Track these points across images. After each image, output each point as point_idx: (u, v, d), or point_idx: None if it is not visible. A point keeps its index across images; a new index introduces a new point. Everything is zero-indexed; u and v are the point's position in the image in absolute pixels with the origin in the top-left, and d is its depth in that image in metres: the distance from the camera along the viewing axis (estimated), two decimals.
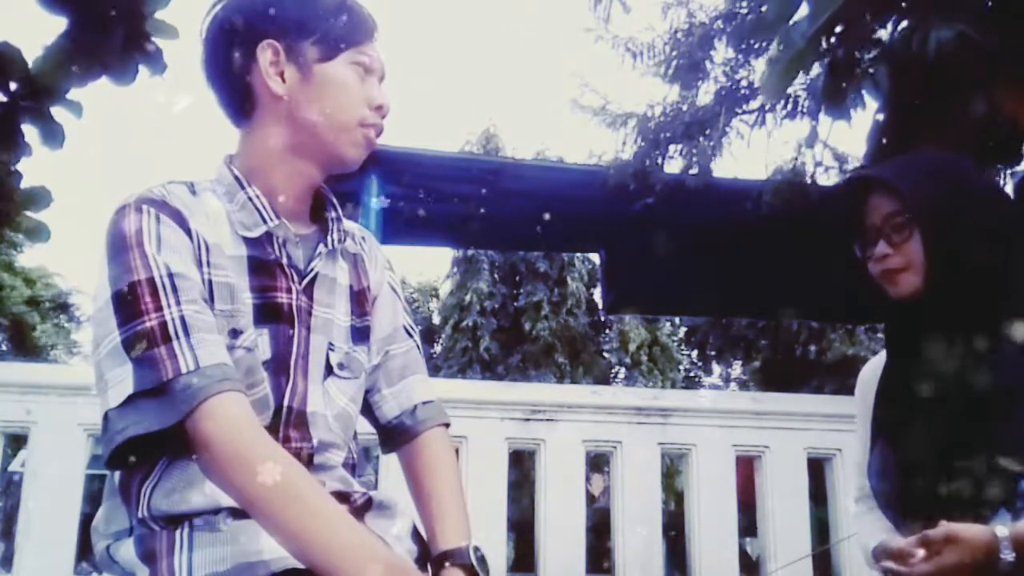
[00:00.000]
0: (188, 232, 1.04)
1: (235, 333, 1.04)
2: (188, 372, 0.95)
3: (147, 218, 1.03)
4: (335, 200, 1.20)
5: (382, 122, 1.16)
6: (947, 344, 1.33)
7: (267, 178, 1.12)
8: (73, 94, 1.79)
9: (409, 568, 1.00)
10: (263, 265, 1.10)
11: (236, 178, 1.11)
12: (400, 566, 0.97)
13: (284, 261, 1.11)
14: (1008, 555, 1.15)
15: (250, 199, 1.10)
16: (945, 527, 1.19)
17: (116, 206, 1.05)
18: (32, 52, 1.78)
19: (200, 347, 0.97)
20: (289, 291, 1.11)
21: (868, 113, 3.42)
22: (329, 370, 1.14)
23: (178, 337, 0.97)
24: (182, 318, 0.98)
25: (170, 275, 1.00)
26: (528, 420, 3.71)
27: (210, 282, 1.04)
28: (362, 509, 1.11)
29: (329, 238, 1.16)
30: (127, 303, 0.98)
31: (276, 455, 0.97)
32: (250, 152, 1.14)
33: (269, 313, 1.08)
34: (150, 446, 0.97)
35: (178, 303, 0.98)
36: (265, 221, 1.10)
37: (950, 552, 1.17)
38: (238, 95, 1.13)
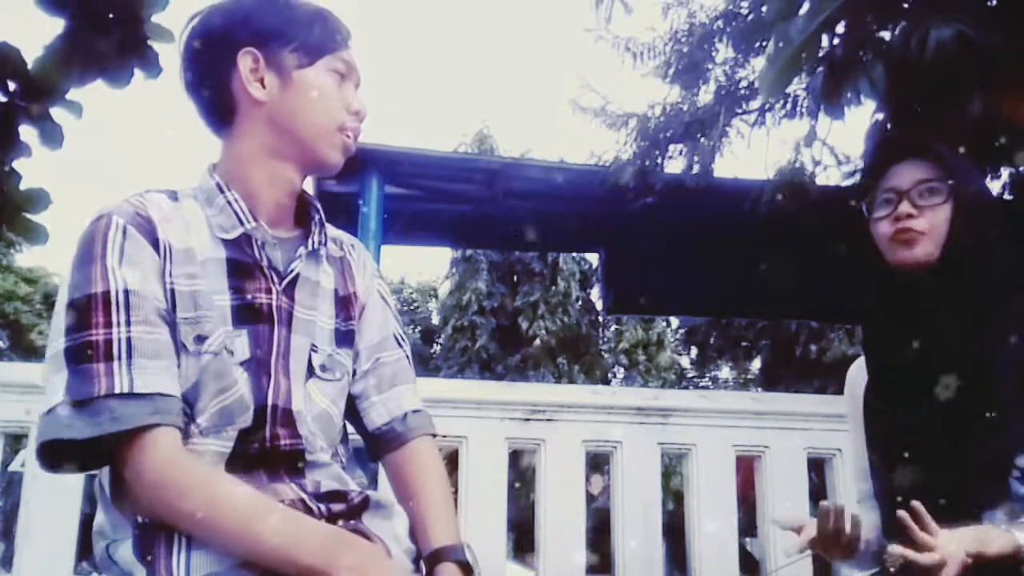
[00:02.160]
0: (156, 243, 1.06)
1: (200, 339, 1.05)
2: (121, 394, 0.97)
3: (115, 231, 1.04)
4: (319, 205, 1.22)
5: (359, 126, 1.19)
6: (944, 319, 1.33)
7: (247, 183, 1.14)
8: (72, 95, 1.80)
9: (361, 542, 1.01)
10: (241, 267, 1.11)
11: (216, 184, 1.14)
12: (355, 540, 1.00)
13: (263, 263, 1.13)
14: None
15: (228, 203, 1.12)
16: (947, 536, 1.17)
17: (93, 215, 1.07)
18: (32, 52, 1.78)
19: (138, 372, 0.99)
20: (268, 292, 1.12)
21: (867, 113, 3.42)
22: (311, 371, 1.15)
23: (119, 358, 0.98)
24: (128, 340, 0.99)
25: (126, 292, 1.01)
26: (528, 420, 3.70)
27: (173, 291, 1.05)
28: (359, 508, 1.12)
29: (309, 240, 1.18)
30: (78, 314, 1.00)
31: (205, 475, 1.00)
32: (231, 158, 1.16)
33: (248, 314, 1.09)
34: (83, 456, 0.99)
35: (128, 323, 1.00)
36: (242, 223, 1.11)
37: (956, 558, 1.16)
38: (219, 103, 1.15)
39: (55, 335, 1.01)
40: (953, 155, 1.38)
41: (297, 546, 0.95)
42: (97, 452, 0.99)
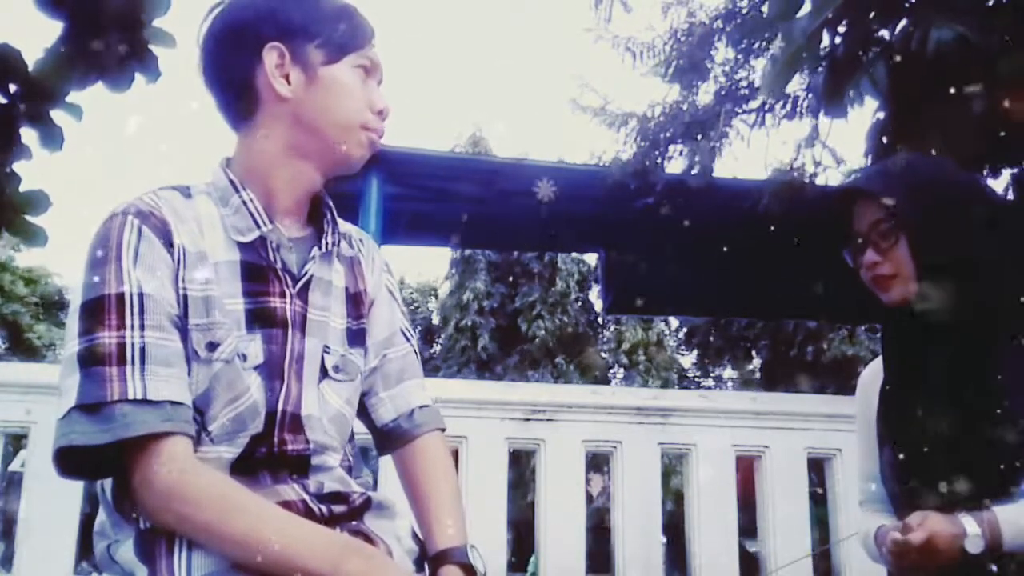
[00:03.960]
0: (170, 246, 1.05)
1: (212, 346, 1.04)
2: (133, 400, 0.96)
3: (129, 231, 1.03)
4: (331, 203, 1.20)
5: (383, 125, 1.17)
6: (942, 347, 1.35)
7: (264, 181, 1.13)
8: (73, 97, 1.79)
9: (365, 547, 1.01)
10: (256, 270, 1.10)
11: (231, 181, 1.12)
12: (359, 545, 1.00)
13: (277, 266, 1.11)
14: (973, 548, 1.22)
15: (244, 203, 1.10)
16: (921, 514, 1.26)
17: (108, 213, 1.06)
18: (33, 54, 1.78)
19: (151, 378, 0.98)
20: (282, 295, 1.10)
21: (868, 113, 3.42)
22: (324, 373, 1.14)
23: (132, 363, 0.97)
24: (142, 345, 0.98)
25: (140, 295, 1.00)
26: (528, 420, 3.71)
27: (185, 297, 1.04)
28: (361, 509, 1.12)
29: (323, 241, 1.16)
30: (92, 315, 0.99)
31: (216, 483, 0.99)
32: (249, 154, 1.14)
33: (262, 318, 1.08)
34: (96, 461, 0.98)
35: (142, 327, 0.99)
36: (258, 226, 1.10)
37: (923, 536, 1.24)
38: (240, 97, 1.13)
39: (69, 336, 1.00)
40: (897, 187, 1.37)
41: (304, 552, 0.95)
42: (110, 457, 0.98)
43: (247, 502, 0.99)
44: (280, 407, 1.07)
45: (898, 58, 2.96)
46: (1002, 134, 3.05)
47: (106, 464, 1.00)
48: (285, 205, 1.14)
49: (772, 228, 4.89)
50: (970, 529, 1.22)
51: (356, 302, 1.21)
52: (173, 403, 0.99)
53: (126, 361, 0.97)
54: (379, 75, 1.18)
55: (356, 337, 1.20)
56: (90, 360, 0.97)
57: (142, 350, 0.98)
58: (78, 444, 0.95)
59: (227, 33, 1.13)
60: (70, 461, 0.98)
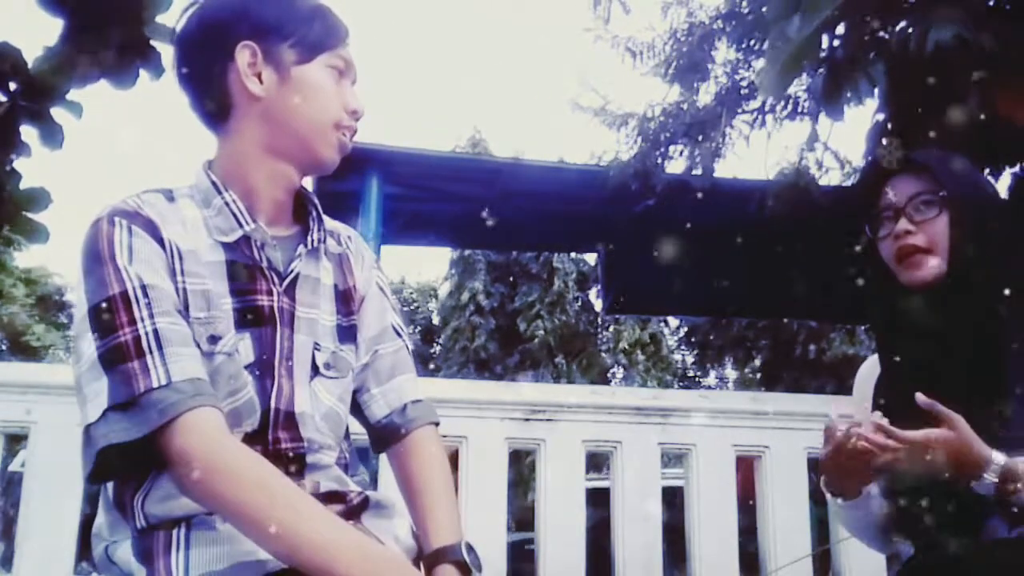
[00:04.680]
0: (161, 242, 1.05)
1: (214, 339, 1.04)
2: (160, 387, 0.96)
3: (119, 231, 1.04)
4: (316, 201, 1.21)
5: (356, 125, 1.18)
6: (955, 334, 1.33)
7: (244, 181, 1.13)
8: (73, 95, 1.79)
9: (403, 563, 1.01)
10: (242, 269, 1.10)
11: (213, 183, 1.12)
12: (396, 561, 1.00)
13: (263, 264, 1.12)
14: (991, 477, 1.18)
15: (226, 204, 1.11)
16: (959, 418, 1.19)
17: (91, 219, 1.06)
18: (32, 52, 1.78)
19: (172, 361, 0.98)
20: (269, 293, 1.11)
21: (868, 114, 3.42)
22: (315, 370, 1.14)
23: (151, 351, 0.98)
24: (155, 331, 0.99)
25: (143, 287, 1.01)
26: (528, 420, 3.70)
27: (184, 291, 1.05)
28: (359, 509, 1.12)
29: (309, 238, 1.17)
30: (102, 318, 0.99)
31: (256, 464, 0.98)
32: (227, 155, 1.15)
33: (250, 317, 1.08)
34: (129, 459, 0.98)
35: (151, 316, 1.00)
36: (241, 225, 1.10)
37: (943, 437, 1.18)
38: (214, 97, 1.14)
39: (80, 350, 1.00)
40: (945, 163, 1.38)
41: (339, 558, 0.93)
42: (144, 453, 0.98)
43: (290, 490, 0.98)
44: (273, 405, 1.08)
45: (897, 59, 2.96)
46: (1002, 134, 3.05)
47: (140, 461, 1.00)
48: (266, 204, 1.14)
49: (773, 228, 4.90)
50: (997, 458, 1.18)
51: (346, 299, 1.21)
52: (199, 379, 0.99)
53: (144, 352, 0.98)
54: (353, 75, 1.18)
55: (347, 334, 1.20)
56: (111, 361, 0.97)
57: (156, 336, 0.99)
58: (118, 442, 0.95)
59: (200, 32, 1.13)
60: (106, 464, 0.98)
